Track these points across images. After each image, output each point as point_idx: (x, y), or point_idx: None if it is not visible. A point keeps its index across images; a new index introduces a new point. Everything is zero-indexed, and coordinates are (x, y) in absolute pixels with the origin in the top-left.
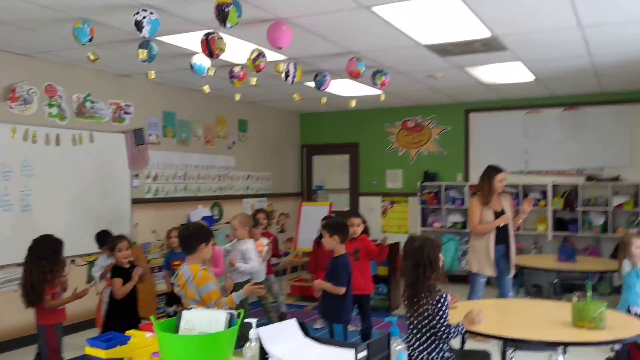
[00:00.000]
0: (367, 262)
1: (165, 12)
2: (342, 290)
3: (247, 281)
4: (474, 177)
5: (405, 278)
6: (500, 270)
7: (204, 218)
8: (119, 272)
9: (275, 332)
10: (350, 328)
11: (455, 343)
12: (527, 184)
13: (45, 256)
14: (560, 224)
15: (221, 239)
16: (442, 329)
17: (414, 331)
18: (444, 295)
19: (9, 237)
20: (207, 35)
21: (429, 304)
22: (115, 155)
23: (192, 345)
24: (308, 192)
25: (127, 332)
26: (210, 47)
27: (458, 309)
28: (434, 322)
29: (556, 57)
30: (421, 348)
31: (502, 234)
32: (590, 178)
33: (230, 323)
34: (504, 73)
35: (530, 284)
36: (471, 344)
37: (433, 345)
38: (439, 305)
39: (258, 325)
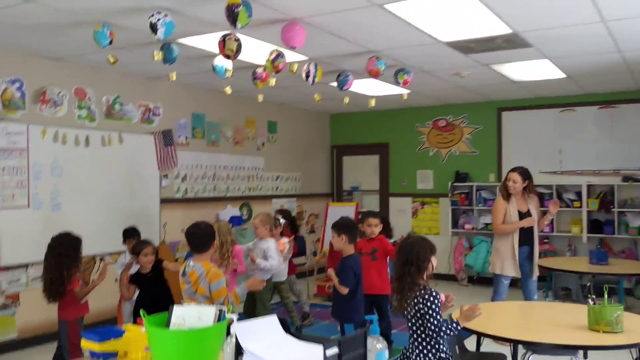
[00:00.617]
0: (384, 263)
1: (180, 14)
2: (345, 290)
3: (269, 280)
4: None
5: (395, 272)
6: (524, 273)
7: (233, 218)
8: (139, 279)
9: (253, 328)
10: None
11: (471, 345)
12: (561, 184)
13: (65, 253)
14: (595, 226)
15: (251, 238)
16: (431, 327)
17: (411, 332)
18: (434, 294)
19: (40, 236)
20: (224, 36)
21: (420, 303)
22: (144, 156)
23: (180, 340)
24: (338, 193)
25: (123, 327)
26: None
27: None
28: (425, 320)
29: (584, 53)
30: (419, 348)
31: (526, 236)
32: (626, 178)
33: (219, 318)
34: (534, 70)
35: (559, 287)
36: (489, 347)
37: (429, 346)
38: (429, 303)
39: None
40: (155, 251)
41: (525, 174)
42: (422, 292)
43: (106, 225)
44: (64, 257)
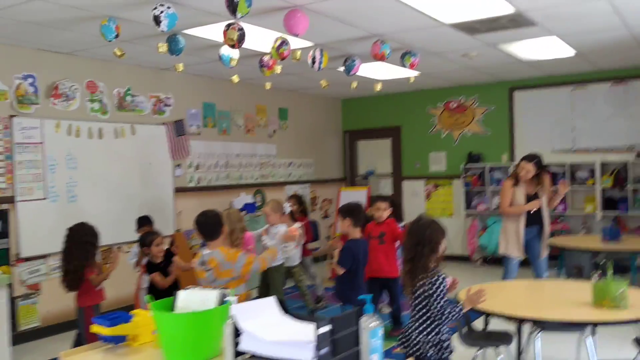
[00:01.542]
0: (392, 246)
1: (183, 5)
2: (340, 270)
3: (281, 265)
4: (520, 157)
5: (406, 254)
6: (533, 252)
7: (247, 205)
8: (153, 268)
9: (251, 309)
10: (385, 310)
11: (478, 324)
12: (574, 163)
13: (85, 241)
14: (609, 203)
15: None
16: (435, 310)
17: (413, 312)
18: (441, 277)
19: (57, 227)
20: (228, 26)
21: (425, 284)
22: (157, 147)
23: (184, 322)
24: (351, 178)
25: (132, 312)
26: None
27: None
28: (430, 303)
29: (591, 30)
30: (419, 329)
31: (535, 216)
32: None
33: (221, 302)
34: (543, 49)
35: (571, 265)
36: (495, 325)
37: (431, 327)
38: (434, 286)
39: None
40: (163, 240)
41: (539, 164)
42: (430, 274)
43: (121, 215)
44: (88, 245)
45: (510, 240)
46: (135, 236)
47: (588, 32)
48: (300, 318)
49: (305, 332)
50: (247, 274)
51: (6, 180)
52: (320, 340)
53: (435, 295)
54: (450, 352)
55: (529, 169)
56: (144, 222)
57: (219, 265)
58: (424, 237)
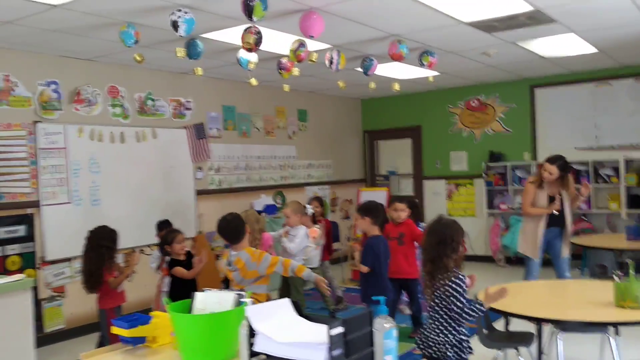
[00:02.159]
0: (412, 247)
1: (200, 10)
2: (363, 268)
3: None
4: (542, 155)
5: (426, 254)
6: (554, 252)
7: (267, 206)
8: (177, 263)
9: (266, 310)
10: (405, 311)
11: (500, 326)
12: (597, 160)
13: (103, 245)
14: (634, 201)
15: None
16: (456, 310)
17: (432, 312)
18: (461, 277)
19: (81, 230)
20: (245, 29)
21: (446, 284)
22: (178, 150)
23: (201, 323)
24: (371, 178)
25: (150, 313)
26: None
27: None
28: (450, 302)
29: (611, 26)
30: (437, 327)
31: (557, 216)
32: None
33: (237, 303)
34: (564, 46)
35: (595, 264)
36: (517, 326)
37: (450, 327)
38: (455, 285)
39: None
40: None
41: (562, 166)
42: (450, 274)
43: (143, 218)
44: (103, 248)
45: (528, 241)
46: (156, 240)
47: (608, 28)
48: (315, 319)
49: (319, 334)
50: (267, 279)
51: (31, 185)
52: (333, 342)
53: (457, 293)
54: (470, 352)
55: (552, 171)
56: (163, 226)
57: (246, 265)
58: (445, 237)
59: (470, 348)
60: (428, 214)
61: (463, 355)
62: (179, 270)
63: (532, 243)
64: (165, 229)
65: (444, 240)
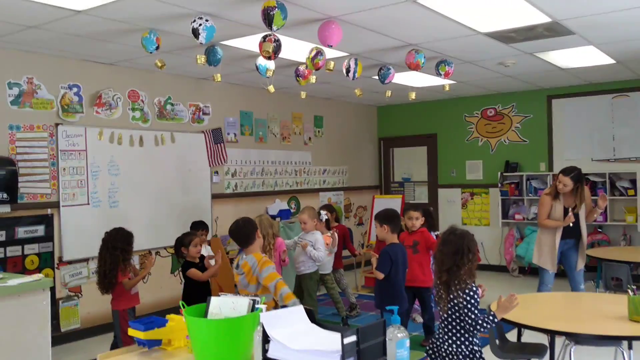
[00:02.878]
0: (426, 255)
1: (221, 18)
2: (379, 275)
3: (315, 272)
4: (558, 166)
5: (442, 264)
6: (569, 264)
7: (282, 211)
8: (191, 265)
9: (279, 317)
10: (418, 320)
11: (512, 336)
12: (614, 172)
13: (118, 247)
14: None
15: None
16: (469, 321)
17: (444, 323)
18: (474, 288)
19: (98, 231)
20: (265, 37)
21: (461, 295)
22: (196, 154)
23: (216, 328)
24: (386, 185)
25: (167, 316)
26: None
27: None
28: (464, 314)
29: (630, 39)
30: (450, 338)
31: (572, 228)
32: None
33: (252, 308)
34: (581, 57)
35: (609, 277)
36: (530, 337)
37: (462, 338)
38: (468, 297)
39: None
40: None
41: (577, 178)
42: (465, 285)
43: (160, 220)
44: (118, 250)
45: (544, 252)
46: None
47: (627, 40)
48: (328, 327)
49: (332, 342)
50: (267, 286)
51: (51, 186)
52: (346, 350)
53: (470, 305)
54: None
55: (567, 183)
56: (199, 226)
57: (251, 270)
58: (462, 247)
59: (483, 359)
60: (442, 223)
61: None
62: (194, 272)
63: (549, 255)
64: (200, 229)
65: (461, 250)
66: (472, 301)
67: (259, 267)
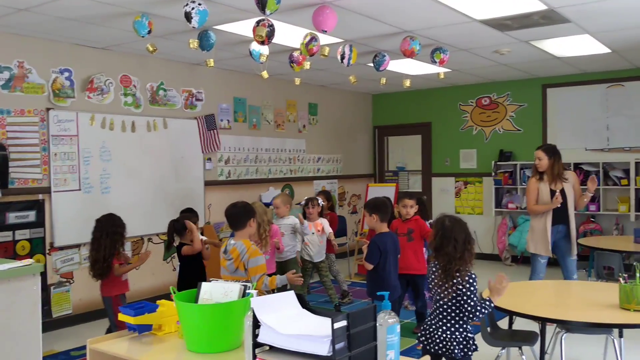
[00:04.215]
0: (420, 243)
1: (214, 2)
2: (368, 266)
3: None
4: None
5: (442, 251)
6: (561, 252)
7: None
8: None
9: (270, 302)
10: (410, 308)
11: (504, 324)
12: (608, 162)
13: (114, 232)
14: None
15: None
16: (469, 308)
17: (440, 309)
18: (473, 276)
19: (90, 217)
20: (258, 22)
21: (459, 283)
22: (188, 140)
23: (206, 313)
24: (380, 174)
25: (157, 302)
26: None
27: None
28: (462, 301)
29: (626, 27)
30: (445, 325)
31: (561, 214)
32: None
33: (243, 294)
34: (577, 46)
35: (601, 266)
36: (521, 325)
37: (457, 325)
38: (468, 285)
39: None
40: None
41: (549, 150)
42: (463, 272)
43: (153, 207)
44: (117, 235)
45: (538, 238)
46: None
47: (623, 29)
48: (319, 313)
49: (323, 327)
50: (251, 277)
51: (42, 172)
52: (337, 335)
53: (469, 293)
54: (475, 349)
55: (541, 157)
56: (190, 213)
57: (240, 256)
58: (458, 234)
59: (475, 345)
60: (436, 211)
61: (469, 352)
62: (186, 248)
63: (542, 240)
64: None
65: (458, 238)
66: (472, 288)
67: (248, 254)
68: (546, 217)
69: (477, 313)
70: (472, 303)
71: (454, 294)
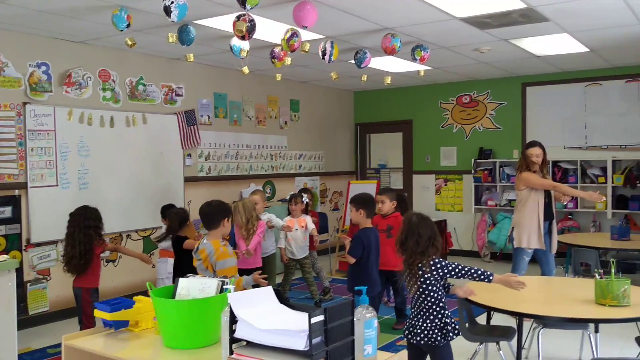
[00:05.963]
0: None
1: None
2: (351, 260)
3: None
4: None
5: (405, 245)
6: (545, 248)
7: None
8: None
9: (247, 297)
10: (390, 304)
11: (481, 319)
12: (585, 160)
13: (91, 225)
14: (620, 202)
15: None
16: (456, 269)
17: (417, 303)
18: (437, 260)
19: (68, 213)
20: (239, 17)
21: (426, 272)
22: (168, 136)
23: (183, 309)
24: (362, 171)
25: (134, 298)
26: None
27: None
28: (430, 288)
29: (604, 27)
30: (424, 315)
31: (549, 210)
32: None
33: (221, 290)
34: (556, 45)
35: (578, 263)
36: (498, 320)
37: (435, 312)
38: (433, 271)
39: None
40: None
41: (542, 146)
42: (426, 263)
43: (132, 203)
44: (91, 229)
45: (531, 232)
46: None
47: (601, 28)
48: (297, 308)
49: (300, 322)
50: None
51: (18, 167)
52: (314, 330)
53: (437, 276)
54: (457, 333)
55: (539, 153)
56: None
57: (208, 257)
58: (423, 230)
59: (456, 329)
60: (417, 208)
61: (451, 336)
62: (190, 242)
63: (536, 233)
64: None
65: (421, 233)
66: (439, 272)
67: (215, 256)
68: (539, 210)
69: (472, 271)
70: (459, 265)
71: (423, 285)
